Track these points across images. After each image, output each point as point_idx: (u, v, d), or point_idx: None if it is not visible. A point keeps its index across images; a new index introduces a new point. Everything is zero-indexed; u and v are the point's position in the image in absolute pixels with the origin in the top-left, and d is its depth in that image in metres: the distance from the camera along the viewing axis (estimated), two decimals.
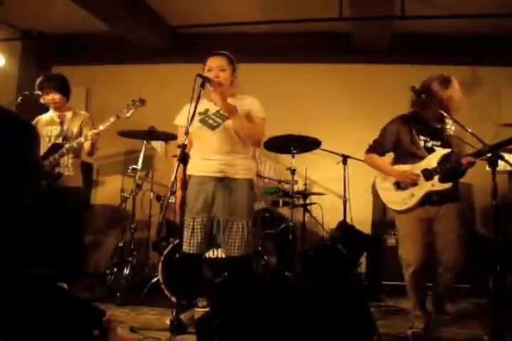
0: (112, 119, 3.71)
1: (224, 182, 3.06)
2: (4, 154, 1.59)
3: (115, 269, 4.24)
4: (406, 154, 3.21)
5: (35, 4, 4.78)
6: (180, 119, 3.22)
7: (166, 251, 3.80)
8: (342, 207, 4.66)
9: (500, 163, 2.70)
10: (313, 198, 4.84)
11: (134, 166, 4.22)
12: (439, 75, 3.09)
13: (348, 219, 4.69)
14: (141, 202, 4.71)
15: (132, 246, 4.21)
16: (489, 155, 2.73)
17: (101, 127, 3.73)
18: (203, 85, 2.92)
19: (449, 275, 3.19)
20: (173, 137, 3.59)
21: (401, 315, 3.61)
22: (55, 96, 3.93)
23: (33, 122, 4.04)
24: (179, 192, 3.10)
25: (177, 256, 3.13)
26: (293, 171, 4.31)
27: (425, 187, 3.10)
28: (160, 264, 3.78)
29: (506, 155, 2.70)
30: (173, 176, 2.76)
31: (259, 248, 3.96)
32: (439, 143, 3.17)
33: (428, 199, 3.11)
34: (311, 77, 5.41)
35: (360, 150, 4.69)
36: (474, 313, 3.66)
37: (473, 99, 5.21)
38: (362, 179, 4.58)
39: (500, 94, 5.24)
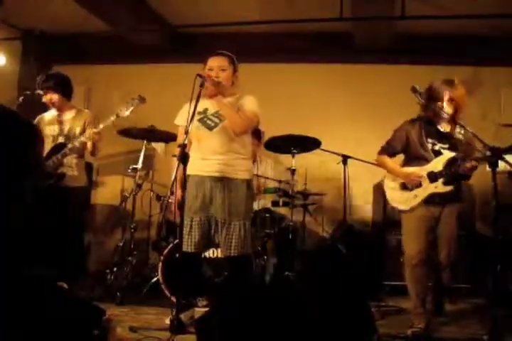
0: (112, 118, 3.70)
1: (222, 182, 3.06)
2: (5, 154, 1.59)
3: (115, 269, 4.24)
4: (414, 156, 3.30)
5: (36, 4, 4.78)
6: (180, 119, 3.22)
7: (165, 251, 3.80)
8: (342, 207, 4.66)
9: (500, 163, 2.70)
10: (313, 198, 4.84)
11: (134, 166, 4.21)
12: (444, 79, 3.20)
13: (348, 219, 4.69)
14: (141, 202, 4.71)
15: (132, 246, 4.21)
16: (489, 154, 2.74)
17: (101, 126, 3.72)
18: (202, 85, 2.93)
19: (445, 274, 3.27)
20: (174, 137, 3.59)
21: (401, 315, 3.61)
22: (52, 96, 3.90)
23: (36, 121, 4.03)
24: (178, 192, 3.10)
25: (176, 255, 3.13)
26: (293, 171, 4.31)
27: (429, 188, 3.20)
28: (160, 264, 3.78)
29: (506, 156, 2.71)
30: (173, 176, 2.76)
31: (259, 248, 3.96)
32: (446, 146, 3.25)
33: (431, 200, 3.20)
34: (312, 77, 5.40)
35: (360, 150, 4.71)
36: (474, 313, 3.66)
37: (473, 99, 5.19)
38: (362, 179, 4.59)
39: (500, 94, 5.24)
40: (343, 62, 5.44)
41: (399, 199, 3.32)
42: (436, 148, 3.26)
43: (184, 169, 2.82)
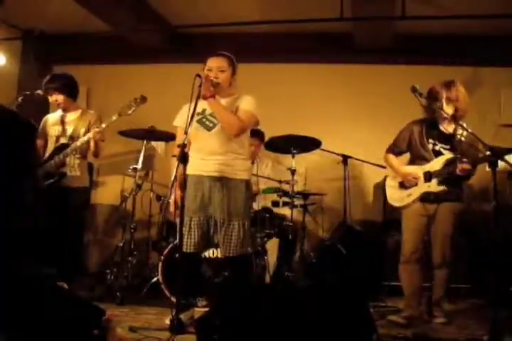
0: (114, 117, 3.72)
1: (221, 181, 3.06)
2: (4, 154, 1.59)
3: (115, 269, 4.24)
4: (416, 156, 3.47)
5: (36, 4, 4.78)
6: (179, 120, 3.23)
7: (165, 251, 3.80)
8: (342, 207, 4.66)
9: (500, 163, 2.70)
10: (314, 198, 4.84)
11: (134, 166, 4.21)
12: (445, 80, 3.32)
13: (348, 219, 4.69)
14: (141, 202, 4.71)
15: (132, 246, 4.21)
16: (489, 154, 2.74)
17: (103, 125, 3.74)
18: (201, 85, 2.93)
19: (440, 272, 3.35)
20: (174, 137, 3.59)
21: None
22: (58, 97, 3.92)
23: (42, 121, 4.05)
24: (178, 192, 3.10)
25: (176, 255, 3.13)
26: (293, 171, 4.31)
27: (422, 188, 3.36)
28: (160, 264, 3.78)
29: (506, 156, 2.71)
30: (173, 176, 2.76)
31: (259, 248, 3.96)
32: (448, 147, 3.37)
33: (426, 197, 3.35)
34: (312, 78, 5.40)
35: (360, 150, 4.72)
36: (474, 313, 3.66)
37: (473, 99, 5.18)
38: (362, 179, 4.59)
39: (500, 94, 5.23)
40: (344, 62, 5.44)
41: (395, 197, 3.51)
42: (437, 148, 3.38)
43: (184, 169, 2.82)
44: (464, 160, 3.17)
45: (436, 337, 3.02)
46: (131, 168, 4.24)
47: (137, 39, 5.28)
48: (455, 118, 3.27)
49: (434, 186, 3.31)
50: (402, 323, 3.25)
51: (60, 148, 3.84)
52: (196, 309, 3.28)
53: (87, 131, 3.90)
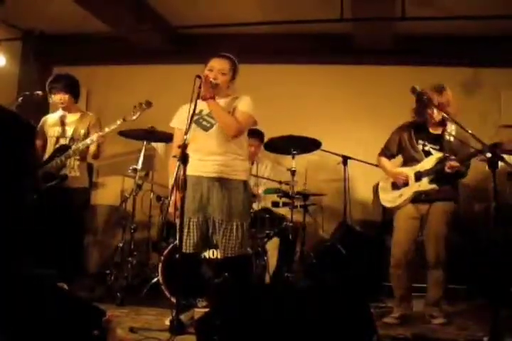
0: (119, 122, 3.73)
1: (220, 182, 3.05)
2: (4, 154, 1.59)
3: (115, 269, 4.24)
4: (407, 157, 3.54)
5: (36, 4, 4.79)
6: (176, 121, 3.23)
7: (165, 252, 3.79)
8: (342, 207, 4.66)
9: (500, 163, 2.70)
10: (314, 199, 4.83)
11: (134, 166, 4.22)
12: (433, 84, 3.36)
13: (348, 220, 4.69)
14: (141, 203, 4.71)
15: (132, 247, 4.21)
16: (489, 155, 2.74)
17: (106, 129, 3.74)
18: (201, 86, 2.93)
19: (435, 273, 3.37)
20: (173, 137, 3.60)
21: None
22: (64, 97, 3.93)
23: (41, 122, 4.05)
24: (178, 193, 3.09)
25: (176, 256, 3.12)
26: (293, 172, 4.31)
27: (413, 187, 3.42)
28: (160, 265, 3.78)
29: (506, 156, 2.71)
30: (174, 176, 2.76)
31: (259, 248, 3.96)
32: (437, 147, 3.43)
33: (418, 198, 3.40)
34: (312, 78, 5.41)
35: (360, 151, 4.72)
36: (474, 314, 3.66)
37: (473, 100, 5.22)
38: (362, 180, 4.59)
39: (500, 95, 5.24)
40: (344, 63, 5.45)
41: (387, 198, 3.57)
42: (427, 149, 3.45)
43: (184, 169, 2.82)
44: (452, 157, 3.26)
45: (436, 337, 3.02)
46: (131, 168, 4.24)
47: (137, 40, 5.28)
48: (445, 121, 3.38)
49: (424, 185, 3.36)
50: (395, 323, 3.29)
51: (61, 150, 3.84)
52: (196, 309, 3.28)
53: (87, 132, 3.91)
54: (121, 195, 5.07)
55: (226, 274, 3.50)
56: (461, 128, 3.15)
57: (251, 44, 5.26)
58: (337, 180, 4.70)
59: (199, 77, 2.93)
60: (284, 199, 4.48)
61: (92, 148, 3.84)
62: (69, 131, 3.94)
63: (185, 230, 3.06)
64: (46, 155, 3.90)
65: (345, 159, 4.63)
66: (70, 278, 3.68)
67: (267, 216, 4.25)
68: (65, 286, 3.55)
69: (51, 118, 4.05)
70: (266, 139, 4.53)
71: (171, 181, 2.93)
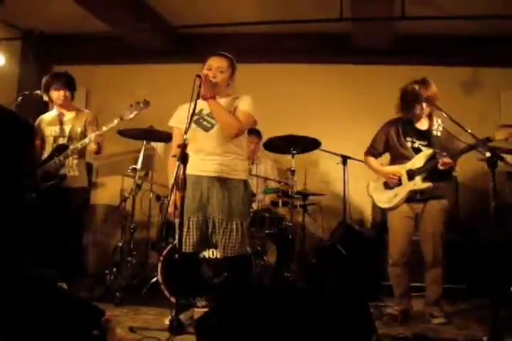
0: (116, 121, 3.71)
1: (219, 182, 3.05)
2: (4, 154, 1.58)
3: (114, 269, 4.23)
4: (396, 155, 3.50)
5: (36, 4, 4.78)
6: (175, 121, 3.23)
7: (165, 251, 3.79)
8: (341, 207, 4.66)
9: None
10: (313, 198, 4.84)
11: (134, 166, 4.21)
12: (416, 79, 3.34)
13: (347, 220, 4.69)
14: (141, 202, 4.71)
15: (132, 246, 4.21)
16: (488, 155, 2.75)
17: (104, 128, 3.73)
18: (201, 85, 2.92)
19: (434, 272, 3.35)
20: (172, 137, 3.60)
21: None
22: (66, 93, 3.93)
23: (37, 121, 4.04)
24: (178, 193, 3.09)
25: (175, 256, 3.12)
26: (293, 172, 4.31)
27: (408, 186, 3.38)
28: (159, 264, 3.78)
29: (506, 156, 2.72)
30: (174, 176, 2.76)
31: (259, 248, 3.96)
32: (425, 143, 3.41)
33: (412, 197, 3.37)
34: (312, 78, 5.41)
35: (360, 150, 4.70)
36: (474, 314, 3.66)
37: (473, 100, 5.23)
38: (362, 179, 4.57)
39: (500, 95, 5.24)
40: (343, 63, 5.44)
41: (382, 198, 3.51)
42: (416, 145, 3.42)
43: (184, 169, 2.81)
44: (444, 154, 3.26)
45: (436, 337, 3.01)
46: (130, 168, 4.23)
47: (137, 39, 5.28)
48: (430, 117, 3.39)
49: (419, 184, 3.34)
50: (397, 315, 3.32)
51: (59, 149, 3.83)
52: (196, 309, 3.28)
53: (84, 130, 3.90)
54: (121, 194, 5.06)
55: (226, 274, 3.50)
56: (446, 123, 3.20)
57: (250, 44, 5.27)
58: (336, 180, 4.70)
59: (199, 76, 2.93)
60: (283, 199, 4.48)
61: (92, 146, 3.83)
62: (66, 129, 3.92)
63: (185, 230, 3.06)
64: (45, 155, 3.89)
65: (344, 159, 4.63)
66: (70, 278, 3.68)
67: (267, 216, 4.26)
68: (65, 286, 3.55)
69: (47, 117, 4.04)
70: (266, 139, 4.53)
71: (171, 181, 2.93)
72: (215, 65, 3.10)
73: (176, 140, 3.17)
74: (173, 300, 3.30)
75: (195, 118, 3.08)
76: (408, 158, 3.40)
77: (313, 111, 5.36)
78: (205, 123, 3.11)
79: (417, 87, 3.28)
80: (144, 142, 4.42)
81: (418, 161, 3.36)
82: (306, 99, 5.39)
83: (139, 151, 4.37)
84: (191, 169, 3.02)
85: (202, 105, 3.08)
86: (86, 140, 3.74)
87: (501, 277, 2.87)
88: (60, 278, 3.51)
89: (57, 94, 3.92)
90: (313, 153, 4.56)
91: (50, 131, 3.93)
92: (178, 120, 3.17)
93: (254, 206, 4.27)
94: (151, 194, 4.74)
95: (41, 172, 3.78)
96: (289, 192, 4.28)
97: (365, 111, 5.25)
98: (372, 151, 3.62)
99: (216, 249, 3.56)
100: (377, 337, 2.25)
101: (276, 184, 4.66)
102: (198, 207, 3.08)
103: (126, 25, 4.91)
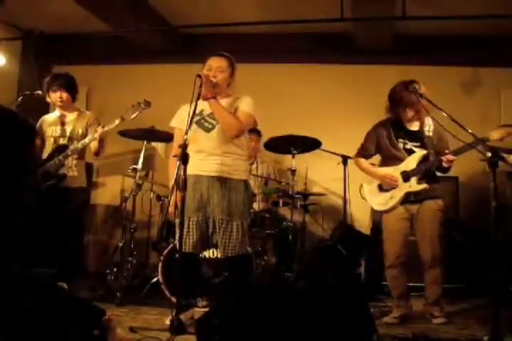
0: (117, 121, 3.71)
1: (219, 182, 3.05)
2: (4, 153, 1.59)
3: (115, 269, 4.23)
4: (388, 156, 3.47)
5: (36, 4, 4.78)
6: (176, 121, 3.23)
7: (165, 251, 3.80)
8: (342, 207, 4.66)
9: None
10: (314, 198, 4.83)
11: (134, 166, 4.21)
12: (403, 81, 3.32)
13: (348, 220, 4.69)
14: (141, 202, 4.72)
15: (132, 246, 4.21)
16: (489, 155, 2.74)
17: (106, 128, 3.73)
18: (202, 86, 2.93)
19: (433, 272, 3.34)
20: (173, 137, 3.60)
21: None
22: (62, 95, 3.92)
23: (39, 122, 4.04)
24: (178, 193, 3.09)
25: (176, 256, 3.12)
26: (293, 172, 4.31)
27: (403, 188, 3.36)
28: (160, 264, 3.78)
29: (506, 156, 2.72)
30: (175, 176, 2.76)
31: (259, 248, 3.96)
32: (418, 144, 3.40)
33: (407, 199, 3.36)
34: (312, 78, 5.41)
35: None
36: (474, 313, 3.66)
37: (473, 99, 5.23)
38: (362, 180, 4.57)
39: (500, 95, 5.24)
40: (344, 63, 5.44)
41: (378, 201, 3.48)
42: (408, 147, 3.41)
43: (185, 169, 2.81)
44: (447, 151, 3.27)
45: (436, 337, 3.01)
46: (131, 168, 4.24)
47: (137, 39, 5.28)
48: (420, 117, 3.36)
49: (414, 185, 3.33)
50: (396, 322, 3.29)
51: (59, 149, 3.84)
52: (196, 309, 3.28)
53: (85, 132, 3.91)
54: (121, 194, 5.07)
55: (226, 274, 3.50)
56: (436, 122, 3.24)
57: (251, 44, 5.27)
58: (337, 180, 4.70)
59: (199, 76, 2.93)
60: (284, 199, 4.49)
61: (94, 145, 3.83)
62: (67, 130, 3.93)
63: (185, 229, 3.06)
64: (45, 155, 3.90)
65: (345, 159, 4.63)
66: (70, 278, 3.68)
67: (267, 216, 4.26)
68: (65, 286, 3.55)
69: (49, 118, 4.05)
70: (266, 139, 4.53)
71: (172, 181, 2.93)
72: (215, 65, 3.11)
73: (177, 140, 3.17)
74: (173, 300, 3.30)
75: (196, 118, 3.08)
76: (401, 160, 3.39)
77: (314, 111, 5.36)
78: (206, 124, 3.12)
79: (399, 88, 3.30)
80: (145, 142, 4.42)
81: (411, 162, 3.36)
82: (306, 99, 5.39)
83: (139, 151, 4.37)
84: (192, 169, 3.02)
85: (203, 106, 3.08)
86: (86, 140, 3.75)
87: (501, 277, 2.86)
88: (60, 278, 3.51)
89: (54, 96, 3.93)
90: (314, 153, 4.56)
91: (51, 132, 3.94)
92: (179, 120, 3.18)
93: (255, 206, 4.27)
94: (152, 194, 4.74)
95: (41, 172, 3.79)
96: (290, 192, 4.28)
97: (366, 111, 5.23)
98: (363, 153, 3.59)
99: (216, 248, 3.56)
100: (378, 336, 2.25)
101: (276, 184, 4.67)
102: (198, 207, 3.08)
103: (126, 25, 4.91)
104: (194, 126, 3.06)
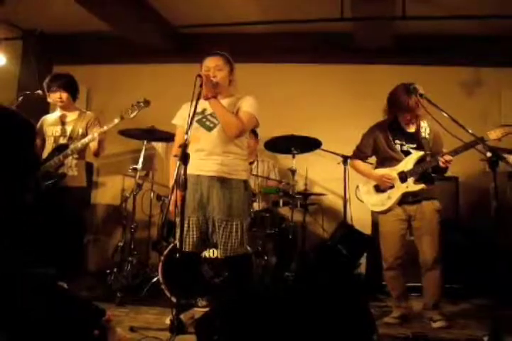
0: (116, 120, 3.71)
1: (219, 181, 3.05)
2: (5, 153, 1.59)
3: (115, 269, 4.24)
4: (385, 158, 3.48)
5: (36, 4, 4.78)
6: (179, 119, 3.23)
7: (165, 251, 3.80)
8: (342, 207, 4.66)
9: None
10: (314, 198, 4.83)
11: (135, 166, 4.22)
12: (403, 84, 3.33)
13: (348, 220, 4.69)
14: (142, 202, 4.72)
15: (132, 246, 4.21)
16: (490, 155, 2.74)
17: (105, 127, 3.73)
18: (202, 85, 2.93)
19: (433, 273, 3.32)
20: (174, 137, 3.60)
21: None
22: (62, 95, 3.93)
23: (39, 122, 4.05)
24: (179, 192, 3.09)
25: (176, 255, 3.12)
26: (293, 171, 4.31)
27: (400, 189, 3.37)
28: (160, 264, 3.78)
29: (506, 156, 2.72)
30: (175, 175, 2.76)
31: (259, 248, 3.96)
32: (414, 146, 3.42)
33: (405, 199, 3.36)
34: (312, 78, 5.41)
35: None
36: (474, 314, 3.66)
37: (473, 99, 5.22)
38: (362, 179, 4.57)
39: (501, 94, 5.24)
40: (344, 62, 5.44)
41: (375, 202, 3.48)
42: (405, 148, 3.42)
43: (185, 169, 2.82)
44: (445, 151, 3.27)
45: (436, 337, 3.02)
46: (131, 168, 4.24)
47: (138, 39, 5.27)
48: (417, 120, 3.37)
49: (412, 186, 3.34)
50: (396, 323, 3.29)
51: (59, 149, 3.84)
52: (196, 309, 3.28)
53: (85, 132, 3.91)
54: (122, 194, 5.07)
55: (226, 274, 3.50)
56: (433, 125, 3.25)
57: (251, 43, 5.26)
58: (337, 180, 4.70)
59: (200, 76, 2.93)
60: (284, 199, 4.48)
61: (94, 145, 3.83)
62: (68, 130, 3.94)
63: (185, 229, 3.06)
64: (45, 154, 3.90)
65: (345, 159, 4.63)
66: (70, 278, 3.68)
67: (268, 216, 4.26)
68: (65, 285, 3.55)
69: (50, 118, 4.05)
70: (266, 139, 4.53)
71: (172, 180, 2.93)
72: (212, 65, 3.11)
73: (179, 139, 3.18)
74: (173, 299, 3.30)
75: (198, 117, 3.09)
76: (398, 161, 3.40)
77: (314, 111, 5.36)
78: (207, 123, 3.12)
79: (399, 91, 3.30)
80: (145, 142, 4.42)
81: (409, 163, 3.37)
82: (307, 98, 5.39)
83: (139, 151, 4.37)
84: (192, 168, 3.02)
85: (205, 105, 3.09)
86: (86, 139, 3.75)
87: (501, 277, 2.86)
88: (60, 278, 3.51)
89: (53, 96, 3.94)
90: (314, 152, 4.56)
91: (52, 131, 3.94)
92: (181, 118, 3.18)
93: (255, 206, 4.27)
94: (152, 193, 4.74)
95: (41, 172, 3.79)
96: (290, 192, 4.28)
97: (366, 111, 5.21)
98: (360, 155, 3.60)
99: (216, 248, 3.56)
100: (378, 336, 2.25)
101: (276, 183, 4.66)
102: (198, 206, 3.08)
103: (126, 25, 4.91)
104: (196, 124, 3.06)
